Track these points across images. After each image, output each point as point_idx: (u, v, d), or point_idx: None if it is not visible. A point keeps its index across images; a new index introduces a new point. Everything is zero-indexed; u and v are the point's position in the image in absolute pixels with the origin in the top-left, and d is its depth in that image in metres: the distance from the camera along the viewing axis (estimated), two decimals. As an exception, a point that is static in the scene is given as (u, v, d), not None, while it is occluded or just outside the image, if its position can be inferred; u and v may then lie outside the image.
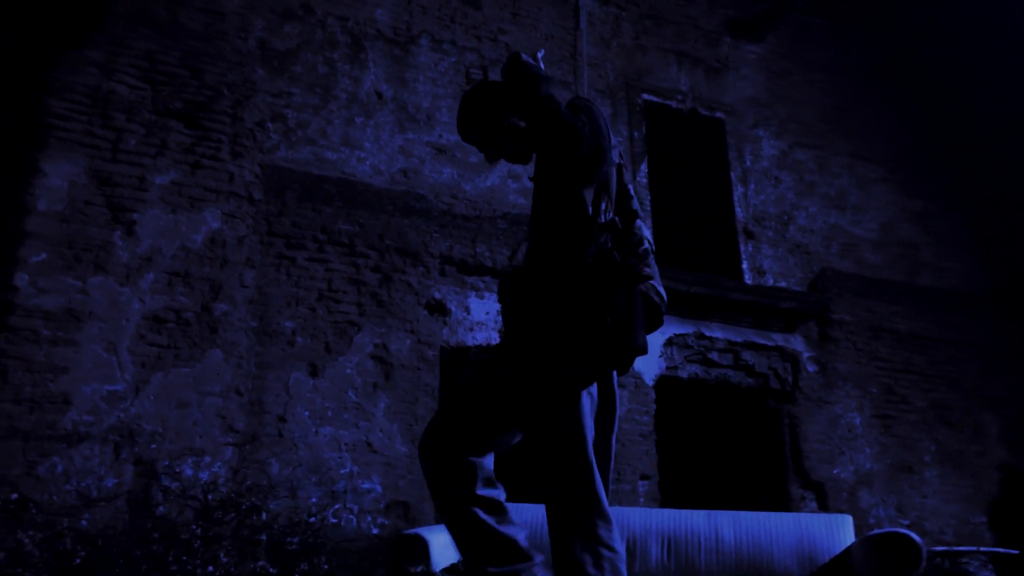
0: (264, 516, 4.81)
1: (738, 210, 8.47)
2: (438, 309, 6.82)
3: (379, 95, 7.14)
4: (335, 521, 5.86)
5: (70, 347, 5.22)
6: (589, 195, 2.43)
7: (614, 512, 4.52)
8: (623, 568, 2.26)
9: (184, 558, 4.14)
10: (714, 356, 7.72)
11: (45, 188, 5.42)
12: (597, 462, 2.34)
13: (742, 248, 8.34)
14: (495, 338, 7.07)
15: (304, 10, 7.06)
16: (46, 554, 4.05)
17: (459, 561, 4.12)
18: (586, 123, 2.38)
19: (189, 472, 5.23)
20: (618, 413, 2.49)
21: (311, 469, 5.99)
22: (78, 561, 4.02)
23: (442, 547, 4.12)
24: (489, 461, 2.54)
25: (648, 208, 8.01)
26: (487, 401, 2.51)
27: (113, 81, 5.69)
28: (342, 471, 6.13)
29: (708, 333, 7.70)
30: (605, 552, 2.23)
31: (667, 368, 7.53)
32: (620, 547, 2.28)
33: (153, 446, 5.24)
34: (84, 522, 4.58)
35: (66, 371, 5.18)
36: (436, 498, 2.53)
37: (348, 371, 6.32)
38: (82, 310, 5.32)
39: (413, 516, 6.23)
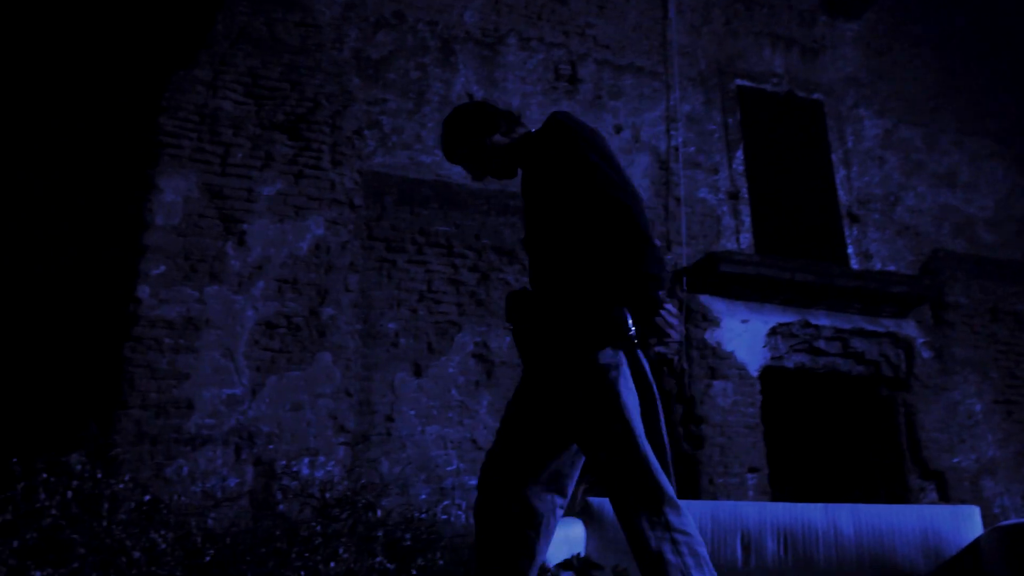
0: (379, 513, 4.92)
1: (841, 193, 8.22)
2: (536, 306, 6.85)
3: (470, 96, 7.21)
4: (445, 517, 5.96)
5: (190, 354, 5.47)
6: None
7: (726, 506, 4.46)
8: (701, 550, 2.24)
9: (306, 554, 4.28)
10: (821, 344, 7.51)
11: (161, 203, 5.69)
12: (652, 450, 2.32)
13: (847, 232, 8.09)
14: (595, 333, 7.05)
15: (396, 18, 7.19)
16: (178, 552, 4.25)
17: (573, 556, 4.14)
18: (616, 176, 2.42)
19: (306, 471, 5.41)
20: (657, 395, 2.43)
21: (419, 467, 6.11)
22: (208, 559, 4.20)
23: (554, 542, 4.14)
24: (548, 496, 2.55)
25: (745, 196, 7.85)
26: (526, 427, 2.51)
27: (219, 98, 5.92)
28: (449, 468, 6.23)
29: (814, 321, 7.50)
30: (680, 537, 2.22)
31: (772, 358, 7.37)
32: (694, 531, 2.26)
33: (271, 447, 5.44)
34: (211, 521, 4.79)
35: (187, 377, 5.43)
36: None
37: (451, 370, 6.42)
38: (200, 318, 5.57)
39: (521, 512, 6.28)
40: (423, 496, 6.00)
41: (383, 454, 6.02)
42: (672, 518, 2.24)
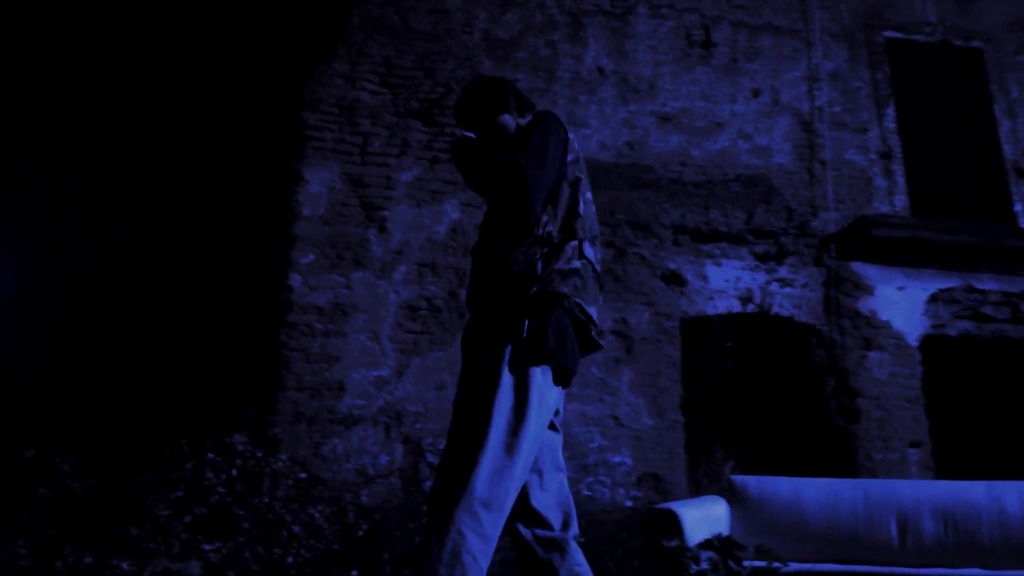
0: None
1: (1006, 147, 7.60)
2: (674, 280, 6.74)
3: (600, 70, 7.13)
4: (589, 494, 6.00)
5: (340, 338, 5.73)
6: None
7: (879, 484, 4.25)
8: (472, 559, 2.12)
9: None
10: (987, 310, 7.01)
11: (307, 195, 5.97)
12: (497, 470, 2.23)
13: (1013, 189, 7.48)
14: (736, 307, 6.87)
15: (522, -4, 7.18)
16: (334, 527, 4.50)
17: (714, 536, 4.08)
18: (533, 156, 2.40)
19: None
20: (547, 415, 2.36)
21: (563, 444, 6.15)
22: (361, 533, 4.42)
23: (695, 521, 4.09)
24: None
25: (899, 155, 7.40)
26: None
27: (357, 89, 6.13)
28: (591, 445, 6.25)
29: (979, 286, 7.00)
30: (458, 538, 2.13)
31: (933, 326, 6.95)
32: (478, 546, 2.15)
33: (417, 426, 5.64)
34: (364, 497, 5.03)
35: (338, 360, 5.70)
36: None
37: (590, 347, 6.40)
38: (347, 303, 5.82)
39: (666, 489, 6.23)
40: (568, 473, 6.04)
41: (525, 431, 6.10)
42: (468, 529, 2.15)
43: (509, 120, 2.65)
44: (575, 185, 2.54)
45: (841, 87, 7.52)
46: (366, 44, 6.20)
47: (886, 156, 7.40)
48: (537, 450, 2.40)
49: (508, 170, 2.40)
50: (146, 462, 4.53)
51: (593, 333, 2.50)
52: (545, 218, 2.45)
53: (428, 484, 5.41)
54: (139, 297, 6.63)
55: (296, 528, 4.33)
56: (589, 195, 2.60)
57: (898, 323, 6.93)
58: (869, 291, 6.97)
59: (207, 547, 4.09)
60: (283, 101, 6.17)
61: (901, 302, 6.97)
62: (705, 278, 6.79)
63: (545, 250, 2.42)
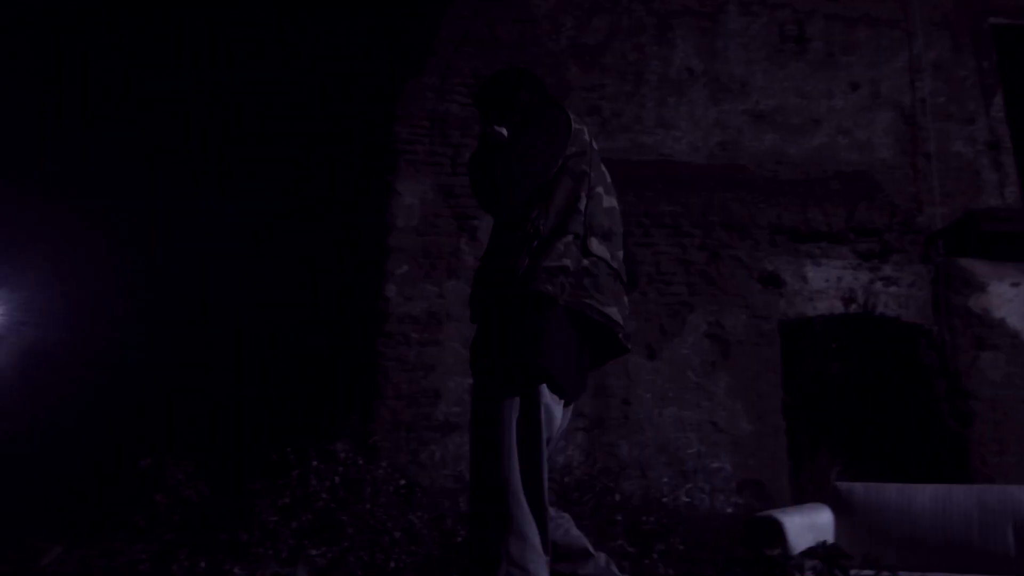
0: (618, 497, 4.99)
1: None
2: (772, 281, 6.59)
3: (690, 71, 7.04)
4: (688, 500, 5.92)
5: (434, 347, 5.84)
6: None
7: (995, 490, 4.06)
8: None
9: (549, 537, 4.43)
10: (1112, 306, 6.60)
11: (401, 206, 6.11)
12: (526, 484, 2.18)
13: None
14: (839, 307, 6.67)
15: (610, 0, 7.16)
16: (433, 532, 4.58)
17: (819, 544, 3.96)
18: (510, 152, 2.29)
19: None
20: (543, 437, 2.23)
21: (659, 449, 6.10)
22: (459, 539, 4.48)
23: (798, 529, 3.99)
24: None
25: (1008, 146, 7.04)
26: None
27: (447, 102, 6.23)
28: (689, 451, 6.17)
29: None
30: (514, 571, 2.10)
31: (1051, 324, 6.59)
32: (536, 567, 2.12)
33: (512, 432, 5.68)
34: (461, 504, 5.09)
35: (433, 368, 5.80)
36: None
37: (685, 351, 6.34)
38: (441, 312, 5.92)
39: (768, 495, 6.10)
40: (665, 479, 5.99)
41: (621, 437, 6.08)
42: (513, 548, 2.12)
43: (517, 119, 2.47)
44: (578, 178, 2.40)
45: (944, 77, 7.21)
46: (455, 57, 6.30)
47: (994, 147, 7.05)
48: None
49: (482, 166, 2.30)
50: (254, 470, 4.71)
51: (620, 336, 2.39)
52: (535, 213, 2.33)
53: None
54: (245, 312, 6.90)
55: (397, 534, 4.43)
56: (601, 189, 2.46)
57: (1013, 321, 6.61)
58: (980, 288, 6.65)
59: (313, 552, 4.23)
60: (377, 117, 6.34)
61: (1015, 299, 6.63)
62: (805, 278, 6.61)
63: (534, 244, 2.30)
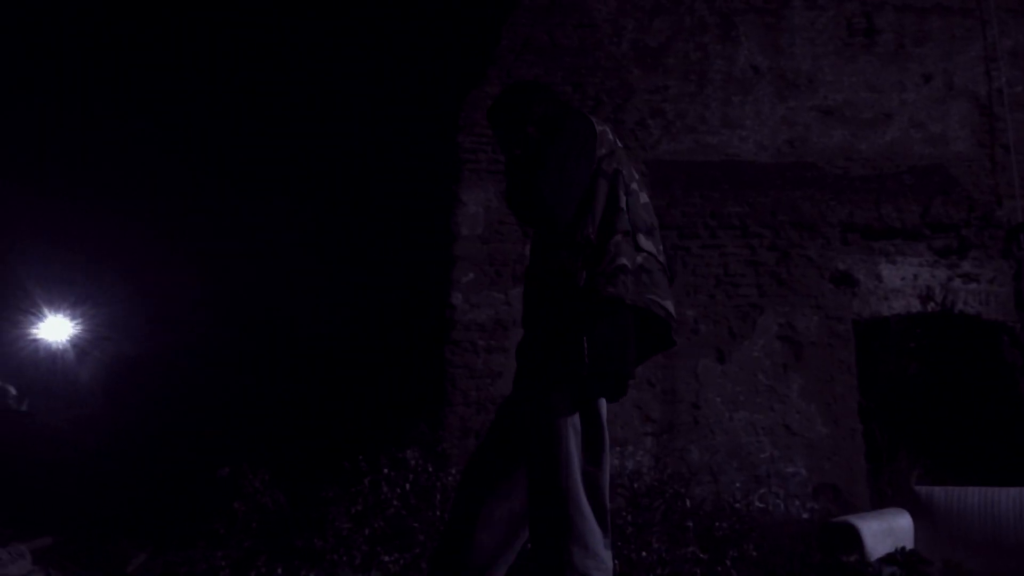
0: (689, 503, 4.94)
1: None
2: (844, 280, 6.44)
3: (755, 68, 6.93)
4: (762, 506, 5.81)
5: (501, 354, 5.86)
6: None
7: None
8: None
9: (619, 544, 4.41)
10: None
11: (465, 215, 6.16)
12: (588, 492, 2.19)
13: None
14: (916, 306, 6.48)
15: (672, 1, 7.10)
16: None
17: (897, 549, 3.85)
18: (549, 167, 2.27)
19: (616, 461, 5.57)
20: (607, 443, 2.30)
21: (730, 454, 6.02)
22: (530, 545, 4.49)
23: (876, 534, 3.89)
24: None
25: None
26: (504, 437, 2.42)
27: (508, 109, 6.25)
28: (762, 455, 6.07)
29: None
30: None
31: None
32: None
33: (581, 438, 5.67)
34: (531, 509, 5.11)
35: (500, 375, 5.82)
36: None
37: (755, 354, 6.23)
38: (507, 319, 5.94)
39: (845, 500, 5.95)
40: (737, 484, 5.89)
41: (691, 442, 6.01)
42: (576, 557, 2.12)
43: (533, 132, 2.49)
44: (613, 178, 2.39)
45: (1022, 65, 6.94)
46: (516, 65, 6.33)
47: (1080, 135, 6.76)
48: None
49: (526, 188, 2.28)
50: (328, 478, 4.81)
51: (673, 330, 2.42)
52: (581, 220, 2.32)
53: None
54: (316, 323, 7.05)
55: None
56: (636, 186, 2.47)
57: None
58: (1068, 283, 6.38)
59: (386, 558, 4.29)
60: (441, 127, 6.41)
61: (1106, 294, 6.34)
62: (879, 277, 6.44)
63: (587, 251, 2.29)
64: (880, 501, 6.09)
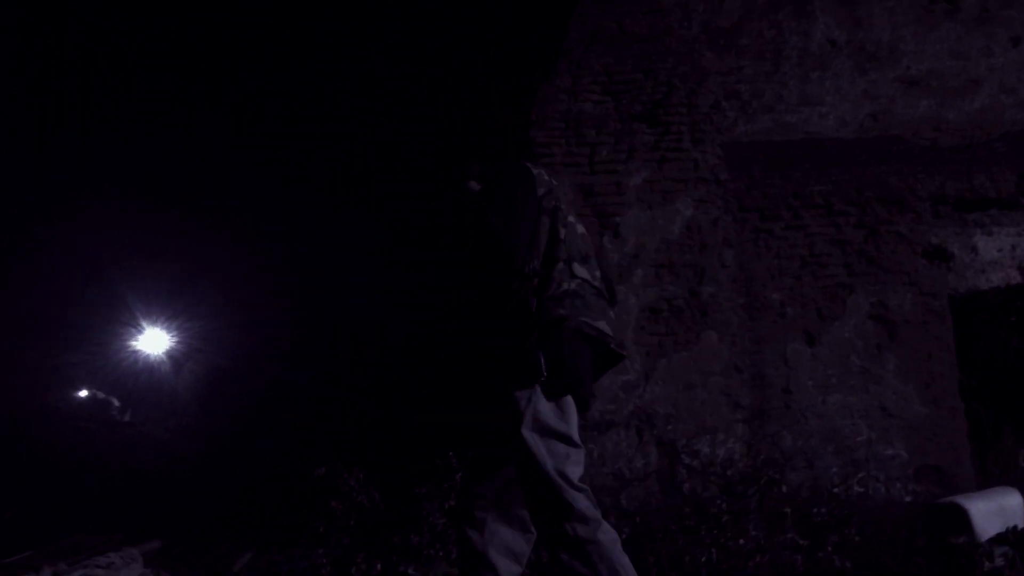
0: (784, 489, 4.84)
1: None
2: (938, 255, 6.21)
3: (832, 43, 6.74)
4: (861, 490, 5.66)
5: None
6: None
7: None
8: (612, 557, 2.50)
9: (715, 531, 4.36)
10: None
11: (542, 210, 6.15)
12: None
13: None
14: (1016, 277, 6.21)
15: (741, -21, 6.95)
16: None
17: (1008, 529, 3.70)
18: (500, 211, 2.63)
19: (706, 449, 5.50)
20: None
21: (825, 439, 5.87)
22: (624, 536, 4.47)
23: (984, 515, 3.76)
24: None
25: None
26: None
27: (580, 102, 6.24)
28: (859, 438, 5.91)
29: None
30: (589, 548, 2.48)
31: None
32: (603, 537, 2.52)
33: (669, 427, 5.62)
34: (623, 500, 5.09)
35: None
36: None
37: (846, 335, 6.07)
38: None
39: (949, 481, 5.75)
40: (834, 469, 5.75)
41: (783, 428, 5.89)
42: (580, 531, 2.48)
43: (474, 184, 2.89)
44: (553, 214, 2.72)
45: (1121, 18, 6.58)
46: (585, 56, 6.29)
47: None
48: None
49: (483, 234, 2.62)
50: (420, 474, 4.88)
51: (612, 345, 2.69)
52: (531, 255, 2.65)
53: (686, 486, 5.37)
54: (405, 324, 7.16)
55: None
56: (572, 219, 2.79)
57: None
58: None
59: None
60: (514, 124, 6.42)
61: None
62: (974, 249, 6.20)
63: (535, 282, 2.62)
64: (986, 481, 5.87)
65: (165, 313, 16.95)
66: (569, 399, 2.63)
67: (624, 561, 2.52)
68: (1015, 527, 3.64)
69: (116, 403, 19.91)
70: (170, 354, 18.30)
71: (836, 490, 5.22)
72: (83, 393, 19.71)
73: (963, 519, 3.64)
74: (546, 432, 2.55)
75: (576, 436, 2.62)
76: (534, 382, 2.55)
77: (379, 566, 4.52)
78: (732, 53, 6.74)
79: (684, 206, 6.00)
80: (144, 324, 17.67)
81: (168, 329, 17.71)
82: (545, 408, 2.57)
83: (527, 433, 2.53)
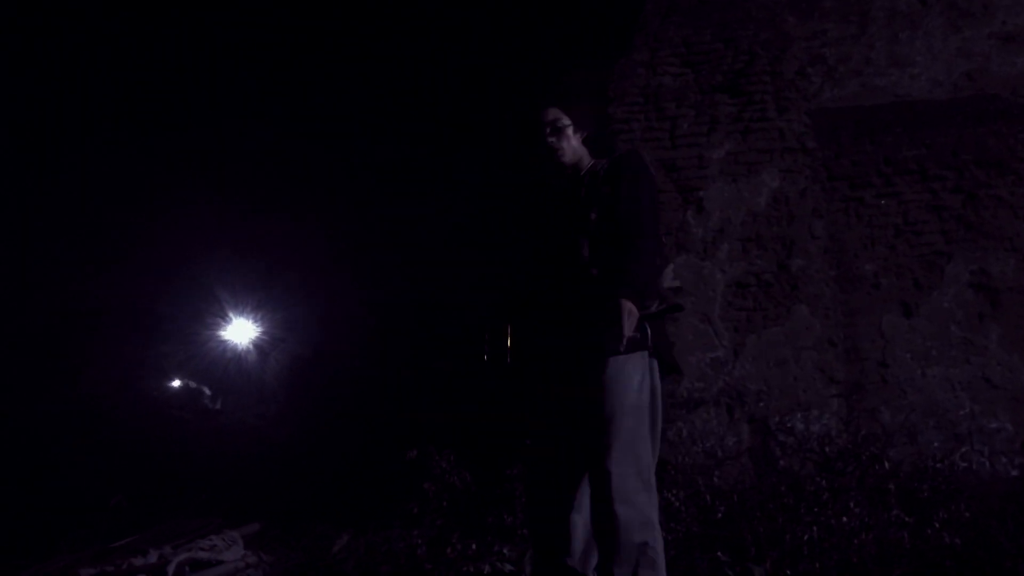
0: (886, 465, 4.68)
1: None
2: (1043, 218, 5.91)
3: (921, 1, 6.45)
4: (965, 465, 5.46)
5: (671, 323, 5.75)
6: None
7: None
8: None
9: (815, 509, 4.24)
10: None
11: (622, 187, 6.07)
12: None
13: None
14: None
15: (821, -60, 6.70)
16: (691, 509, 4.53)
17: None
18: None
19: (801, 426, 5.36)
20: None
21: (926, 413, 5.67)
22: (719, 515, 4.40)
23: None
24: None
25: None
26: None
27: (659, 75, 6.12)
28: (961, 412, 5.69)
29: None
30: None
31: None
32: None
33: (761, 404, 5.50)
34: (716, 479, 5.00)
35: (673, 345, 5.70)
36: None
37: (945, 305, 5.84)
38: (670, 286, 5.82)
39: (1061, 455, 5.49)
40: (936, 444, 5.55)
41: (881, 402, 5.71)
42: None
43: (579, 131, 3.09)
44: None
45: None
46: (663, 28, 6.17)
47: None
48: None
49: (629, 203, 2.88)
50: (510, 455, 4.89)
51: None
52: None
53: (781, 463, 5.25)
54: (478, 307, 7.18)
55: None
56: None
57: None
58: None
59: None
60: (594, 101, 6.34)
61: None
62: (1081, 211, 5.87)
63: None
64: (1100, 455, 5.58)
65: (251, 304, 17.42)
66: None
67: None
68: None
69: (207, 392, 20.57)
70: (256, 344, 18.81)
71: (939, 465, 5.03)
72: (176, 383, 20.43)
73: (1086, 493, 3.46)
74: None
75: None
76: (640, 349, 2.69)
77: (474, 546, 4.55)
78: (815, 16, 6.51)
79: (770, 177, 5.84)
80: (231, 315, 18.19)
81: (254, 320, 18.19)
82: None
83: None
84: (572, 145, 3.00)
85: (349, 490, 6.58)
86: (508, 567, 4.26)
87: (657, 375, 2.81)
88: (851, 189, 6.08)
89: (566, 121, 2.98)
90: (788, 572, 3.93)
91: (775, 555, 4.03)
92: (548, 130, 2.97)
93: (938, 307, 5.83)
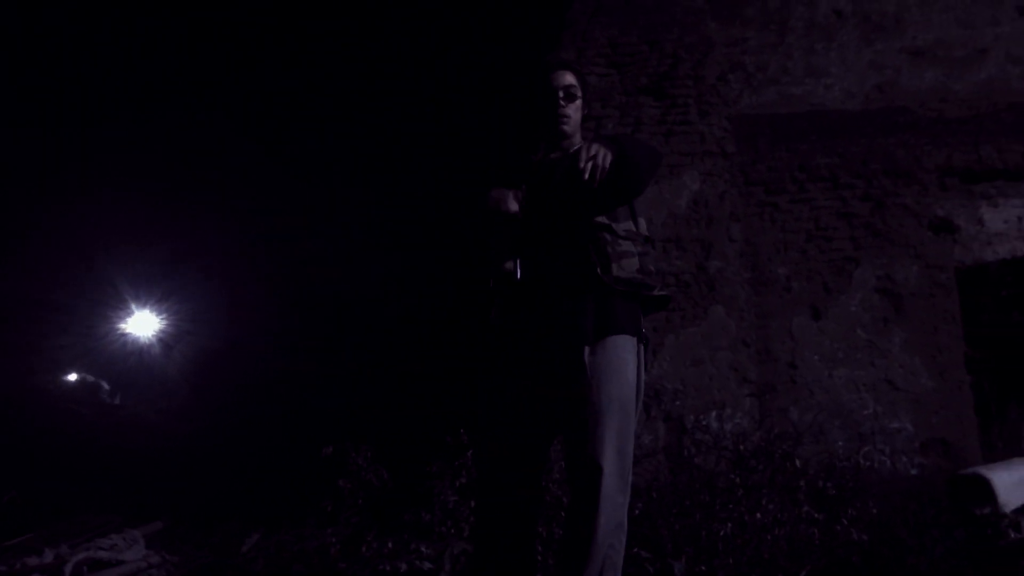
0: (797, 463, 4.81)
1: None
2: (944, 227, 6.18)
3: (837, 13, 6.66)
4: (868, 463, 5.65)
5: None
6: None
7: None
8: None
9: (730, 506, 4.32)
10: None
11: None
12: None
13: None
14: (1021, 249, 6.18)
15: (744, -50, 6.85)
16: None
17: (1032, 502, 3.69)
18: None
19: (715, 424, 5.46)
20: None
21: (832, 413, 5.85)
22: (637, 512, 4.43)
23: (1008, 486, 3.74)
24: None
25: None
26: None
27: (584, 74, 6.13)
28: (865, 412, 5.89)
29: None
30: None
31: None
32: None
33: (677, 402, 5.58)
34: (632, 476, 5.04)
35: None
36: None
37: (853, 309, 6.04)
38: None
39: (955, 454, 5.74)
40: (840, 443, 5.74)
41: (791, 402, 5.87)
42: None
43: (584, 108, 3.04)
44: None
45: None
46: (590, 28, 6.19)
47: None
48: None
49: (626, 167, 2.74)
50: (430, 452, 4.82)
51: None
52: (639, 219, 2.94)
53: (697, 461, 5.33)
54: (412, 300, 7.09)
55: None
56: None
57: None
58: None
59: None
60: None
61: None
62: (981, 221, 6.16)
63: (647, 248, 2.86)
64: (991, 455, 5.86)
65: (154, 296, 16.79)
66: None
67: None
68: (1036, 498, 3.63)
69: (106, 386, 19.75)
70: (159, 337, 18.14)
71: (844, 464, 5.19)
72: (72, 376, 19.54)
73: (987, 490, 3.62)
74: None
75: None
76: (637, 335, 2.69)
77: (390, 544, 4.46)
78: (737, 23, 6.65)
79: (691, 180, 5.93)
80: (133, 307, 17.50)
81: (158, 312, 17.55)
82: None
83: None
84: (576, 118, 2.84)
85: (260, 487, 6.38)
86: (427, 565, 4.19)
87: (643, 366, 2.64)
88: (767, 194, 6.24)
89: (579, 92, 2.85)
90: (703, 568, 3.98)
91: (691, 551, 4.08)
92: (562, 94, 2.78)
93: (846, 311, 6.02)
